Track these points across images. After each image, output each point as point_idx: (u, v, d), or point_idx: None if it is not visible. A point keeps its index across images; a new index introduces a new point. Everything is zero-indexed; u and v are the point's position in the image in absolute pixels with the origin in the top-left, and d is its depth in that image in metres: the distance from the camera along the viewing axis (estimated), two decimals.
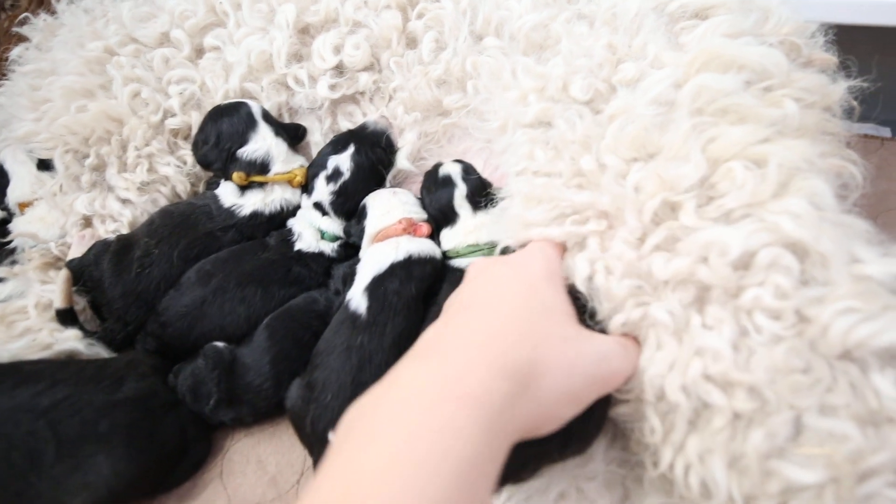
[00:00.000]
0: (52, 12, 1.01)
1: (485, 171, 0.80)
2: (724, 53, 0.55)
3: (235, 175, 0.82)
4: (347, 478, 0.35)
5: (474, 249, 0.75)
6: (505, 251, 0.63)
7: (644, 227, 0.53)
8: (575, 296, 0.54)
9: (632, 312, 0.51)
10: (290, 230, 0.84)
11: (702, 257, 0.48)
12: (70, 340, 0.75)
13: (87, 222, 0.88)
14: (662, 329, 0.50)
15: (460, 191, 0.77)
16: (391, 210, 0.79)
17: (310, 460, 0.69)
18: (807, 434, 0.44)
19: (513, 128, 0.70)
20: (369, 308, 0.70)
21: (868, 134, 0.99)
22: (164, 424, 0.68)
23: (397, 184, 0.89)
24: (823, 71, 0.63)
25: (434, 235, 0.80)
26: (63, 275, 0.76)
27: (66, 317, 0.76)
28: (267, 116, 0.85)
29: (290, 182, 0.85)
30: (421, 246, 0.75)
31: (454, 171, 0.79)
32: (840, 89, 0.58)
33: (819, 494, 0.43)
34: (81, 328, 0.77)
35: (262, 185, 0.84)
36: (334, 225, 0.84)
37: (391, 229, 0.77)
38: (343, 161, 0.83)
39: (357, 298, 0.71)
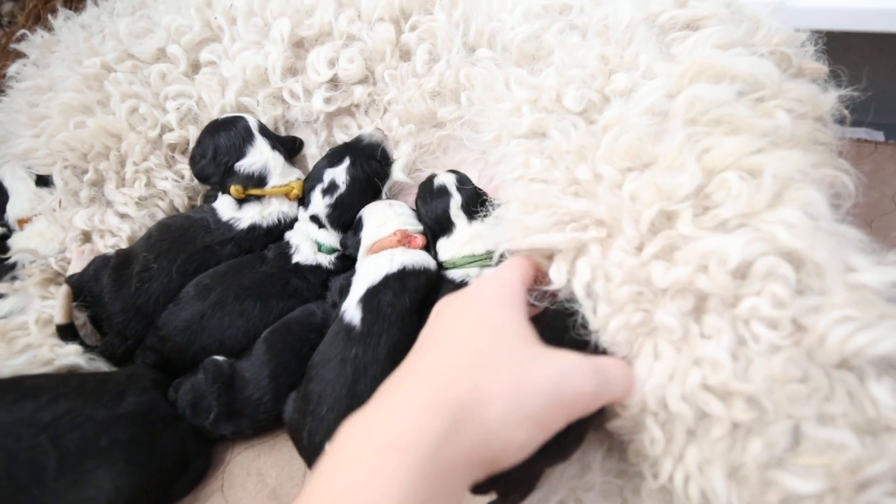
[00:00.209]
0: (49, 29, 1.02)
1: (480, 182, 0.81)
2: (716, 64, 0.56)
3: (233, 188, 0.82)
4: None
5: (471, 260, 0.76)
6: (502, 258, 0.64)
7: (641, 236, 0.53)
8: (560, 311, 0.55)
9: (632, 317, 0.51)
10: (287, 243, 0.84)
11: (701, 266, 0.49)
12: (71, 355, 0.75)
13: (87, 237, 0.88)
14: (663, 337, 0.50)
15: (455, 201, 0.78)
16: (386, 222, 0.79)
17: (309, 472, 0.69)
18: (805, 443, 0.44)
19: (507, 138, 0.71)
20: (363, 319, 0.70)
21: (862, 138, 0.99)
22: (164, 438, 0.68)
23: (393, 196, 0.89)
24: (814, 80, 0.63)
25: (430, 246, 0.80)
26: (63, 290, 0.77)
27: (67, 332, 0.76)
28: (263, 130, 0.86)
29: (287, 195, 0.85)
30: (415, 257, 0.76)
31: (449, 181, 0.79)
32: (831, 99, 0.59)
33: None
34: (82, 343, 0.77)
35: (259, 198, 0.84)
36: (331, 237, 0.84)
37: (386, 241, 0.77)
38: (339, 174, 0.83)
39: (351, 310, 0.71)
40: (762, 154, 0.49)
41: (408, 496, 0.36)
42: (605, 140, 0.58)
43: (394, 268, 0.74)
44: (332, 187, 0.83)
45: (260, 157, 0.84)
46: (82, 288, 0.79)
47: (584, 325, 0.54)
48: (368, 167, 0.84)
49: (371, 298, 0.72)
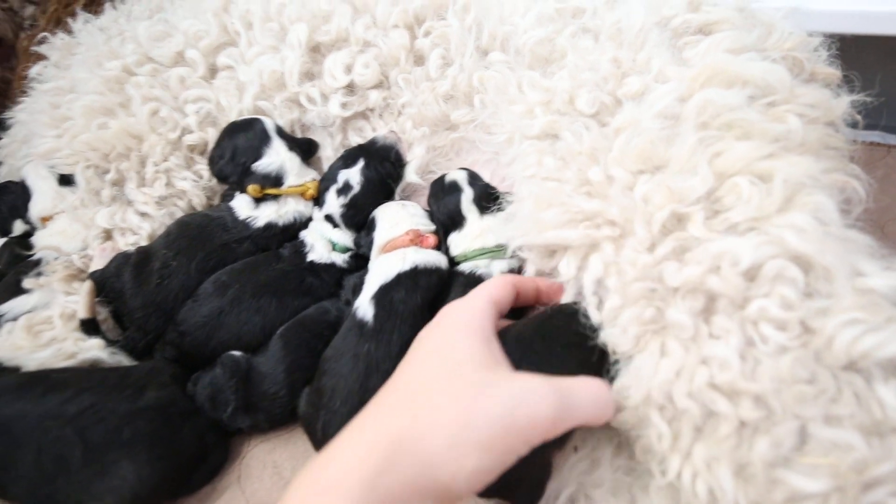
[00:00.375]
0: (70, 31, 1.04)
1: (492, 182, 0.82)
2: (728, 69, 0.57)
3: (251, 188, 0.84)
4: None
5: (482, 252, 0.77)
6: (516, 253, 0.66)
7: (653, 237, 0.54)
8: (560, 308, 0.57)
9: (644, 312, 0.52)
10: (302, 242, 0.86)
11: (714, 266, 0.49)
12: (94, 349, 0.77)
13: (108, 235, 0.90)
14: (672, 335, 0.51)
15: (467, 195, 0.79)
16: (399, 222, 0.80)
17: None
18: (812, 443, 0.45)
19: (519, 140, 0.72)
20: (376, 316, 0.71)
21: (875, 142, 0.99)
22: (183, 431, 0.70)
23: (406, 197, 0.90)
24: (827, 85, 0.64)
25: (443, 243, 0.81)
26: (87, 286, 0.78)
27: (90, 327, 0.78)
28: (280, 132, 0.87)
29: (302, 195, 0.87)
30: (427, 257, 0.77)
31: (460, 177, 0.81)
32: (843, 104, 0.60)
33: (824, 503, 0.44)
34: (104, 337, 0.79)
35: (275, 197, 0.86)
36: (345, 237, 0.86)
37: (399, 240, 0.79)
38: (353, 175, 0.85)
39: (364, 307, 0.73)
40: (773, 159, 0.50)
41: None
42: (618, 143, 0.60)
43: (406, 266, 0.75)
44: (346, 188, 0.85)
45: (277, 158, 0.85)
46: (104, 284, 0.81)
47: (585, 322, 0.55)
48: (382, 169, 0.85)
49: (384, 296, 0.73)
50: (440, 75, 0.84)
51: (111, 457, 0.64)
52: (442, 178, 0.82)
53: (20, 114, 1.01)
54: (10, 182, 1.02)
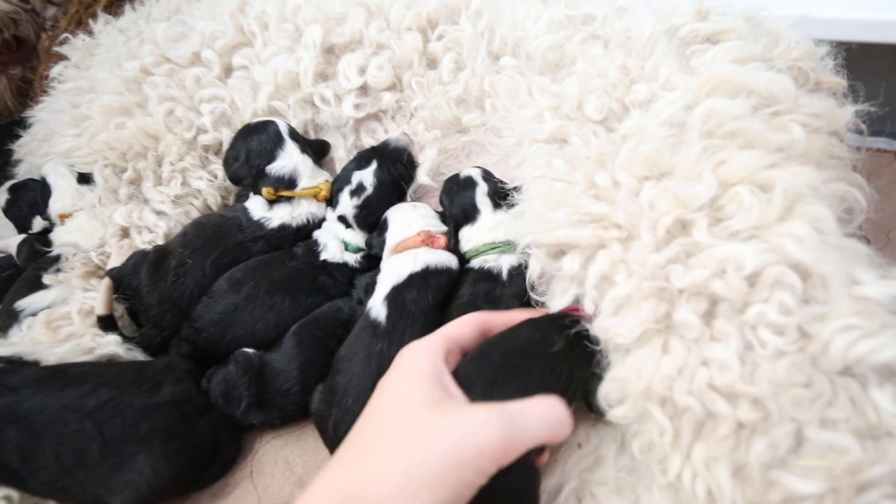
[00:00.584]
0: (90, 32, 1.06)
1: None
2: (733, 79, 0.58)
3: (265, 190, 0.85)
4: None
5: (492, 247, 0.78)
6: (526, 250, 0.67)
7: (658, 241, 0.55)
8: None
9: (652, 309, 0.53)
10: (315, 241, 0.88)
11: (719, 270, 0.51)
12: (111, 345, 0.79)
13: (125, 233, 0.91)
14: (677, 334, 0.52)
15: (482, 188, 0.81)
16: (411, 223, 0.82)
17: None
18: (808, 446, 0.46)
19: (528, 144, 0.73)
20: (388, 316, 0.73)
21: (881, 148, 1.00)
22: (198, 427, 0.71)
23: (417, 198, 0.92)
24: (833, 94, 0.65)
25: (452, 237, 0.83)
26: (105, 283, 0.80)
27: (107, 323, 0.80)
28: (293, 134, 0.89)
29: (315, 196, 0.88)
30: (438, 257, 0.78)
31: (475, 173, 0.82)
32: (847, 113, 0.60)
33: None
34: (120, 333, 0.81)
35: (289, 199, 0.88)
36: (358, 237, 0.87)
37: (410, 241, 0.80)
38: (366, 176, 0.87)
39: (377, 307, 0.74)
40: (775, 169, 0.51)
41: None
42: (624, 149, 0.61)
43: (417, 267, 0.76)
44: (359, 189, 0.87)
45: (290, 160, 0.87)
46: (122, 281, 0.83)
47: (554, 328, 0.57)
48: (395, 170, 0.87)
49: (396, 296, 0.75)
50: (452, 79, 0.85)
51: (128, 450, 0.66)
52: (456, 174, 0.84)
53: (41, 113, 1.03)
54: (30, 179, 1.04)
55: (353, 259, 0.86)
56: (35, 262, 0.89)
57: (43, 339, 0.78)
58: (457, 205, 0.82)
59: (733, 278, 0.50)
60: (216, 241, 0.86)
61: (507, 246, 0.77)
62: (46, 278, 0.85)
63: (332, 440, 0.69)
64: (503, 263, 0.76)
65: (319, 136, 0.95)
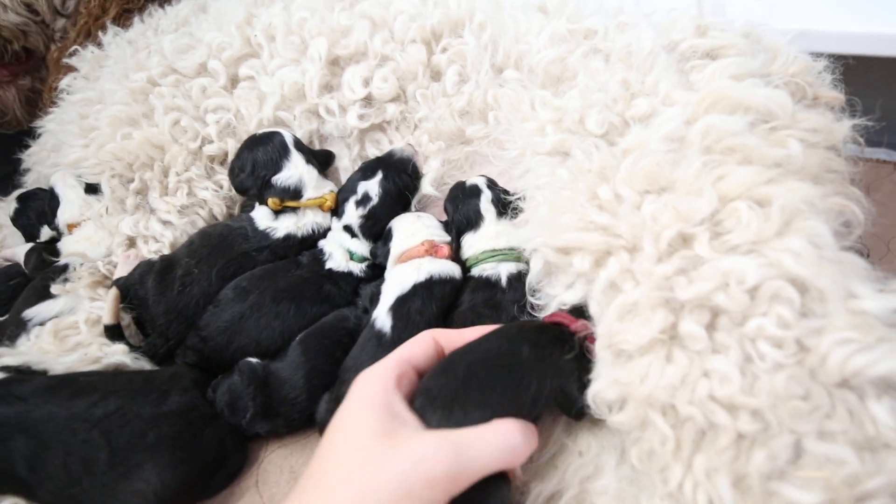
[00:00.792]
0: (99, 44, 1.07)
1: None
2: (731, 95, 0.59)
3: (270, 200, 0.86)
4: None
5: (491, 255, 0.79)
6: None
7: (660, 254, 0.56)
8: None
9: (659, 320, 0.53)
10: (321, 250, 0.88)
11: (723, 284, 0.51)
12: (118, 354, 0.80)
13: (132, 243, 0.93)
14: (682, 344, 0.53)
15: (486, 196, 0.82)
16: (415, 233, 0.83)
17: None
18: (806, 457, 0.47)
19: (531, 156, 0.74)
20: (394, 327, 0.74)
21: (881, 159, 1.01)
22: (204, 436, 0.72)
23: (422, 208, 0.93)
24: (831, 108, 0.66)
25: (454, 240, 0.84)
26: (112, 293, 0.81)
27: (114, 332, 0.81)
28: (299, 145, 0.90)
29: (321, 206, 0.90)
30: (441, 267, 0.79)
31: (480, 181, 0.84)
32: (844, 128, 0.61)
33: None
34: (127, 343, 0.81)
35: (295, 209, 0.89)
36: (363, 246, 0.88)
37: (414, 251, 0.81)
38: (372, 187, 0.88)
39: (382, 317, 0.75)
40: (772, 185, 0.52)
41: None
42: (625, 163, 0.62)
43: (421, 277, 0.77)
44: (365, 199, 0.88)
45: (295, 171, 0.88)
46: (128, 291, 0.84)
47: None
48: (400, 181, 0.88)
49: (400, 307, 0.76)
50: (456, 91, 0.87)
51: (135, 460, 0.67)
52: (462, 182, 0.85)
53: (50, 123, 1.04)
54: (38, 189, 1.06)
55: (358, 268, 0.87)
56: (43, 272, 0.90)
57: (51, 349, 0.79)
58: (461, 211, 0.83)
59: (735, 291, 0.51)
60: (222, 250, 0.87)
61: (506, 254, 0.78)
62: (54, 288, 0.85)
63: None
64: (501, 271, 0.77)
65: (324, 147, 0.96)
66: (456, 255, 0.83)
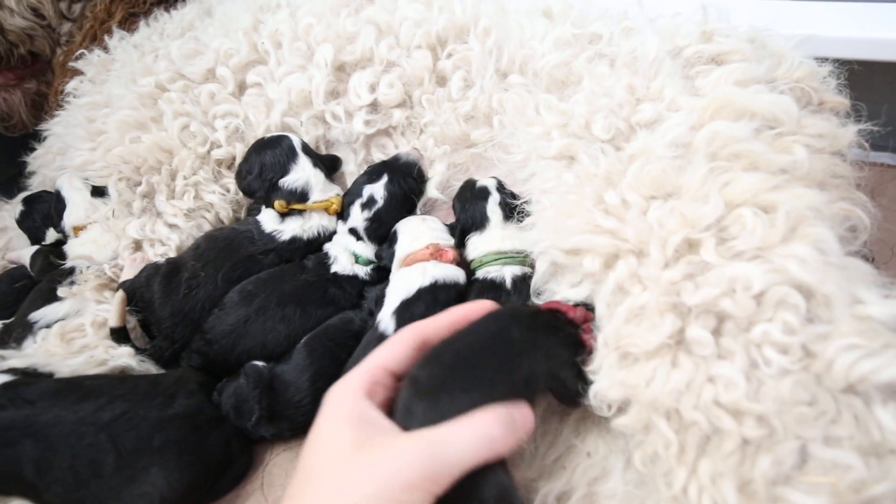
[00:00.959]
0: (105, 48, 1.08)
1: None
2: (736, 101, 0.59)
3: (277, 203, 0.87)
4: None
5: (495, 257, 0.79)
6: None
7: (667, 259, 0.56)
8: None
9: (668, 324, 0.53)
10: (326, 254, 0.89)
11: (729, 289, 0.51)
12: (124, 357, 0.80)
13: (138, 246, 0.93)
14: (689, 349, 0.53)
15: (494, 198, 0.82)
16: (420, 236, 0.83)
17: None
18: (812, 463, 0.47)
19: (536, 160, 0.75)
20: (396, 330, 0.74)
21: (886, 163, 1.01)
22: (210, 439, 0.72)
23: (427, 211, 0.93)
24: (836, 113, 0.66)
25: (458, 242, 0.84)
26: (118, 296, 0.82)
27: (120, 335, 0.81)
28: (306, 149, 0.91)
29: (326, 210, 0.90)
30: (446, 271, 0.79)
31: (490, 183, 0.84)
32: (850, 133, 0.62)
33: None
34: (133, 345, 0.82)
35: (301, 212, 0.89)
36: (368, 249, 0.89)
37: (419, 254, 0.81)
38: (377, 190, 0.88)
39: (385, 321, 0.75)
40: (777, 191, 0.52)
41: None
42: (632, 169, 0.62)
43: (426, 281, 0.78)
44: (370, 202, 0.88)
45: (302, 174, 0.89)
46: (135, 293, 0.84)
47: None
48: (405, 184, 0.89)
49: (404, 311, 0.76)
50: (461, 96, 0.87)
51: (142, 463, 0.67)
52: (473, 182, 0.85)
53: (56, 126, 1.05)
54: (43, 191, 1.06)
55: (363, 271, 0.88)
56: (49, 274, 0.91)
57: (57, 351, 0.79)
58: (467, 211, 0.83)
59: (742, 297, 0.51)
60: (228, 253, 0.88)
61: (510, 257, 0.78)
62: (61, 290, 0.86)
63: None
64: (506, 273, 0.77)
65: (330, 152, 0.97)
66: (460, 258, 0.83)
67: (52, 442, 0.66)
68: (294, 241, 0.89)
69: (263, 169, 0.89)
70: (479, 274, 0.79)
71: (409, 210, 0.91)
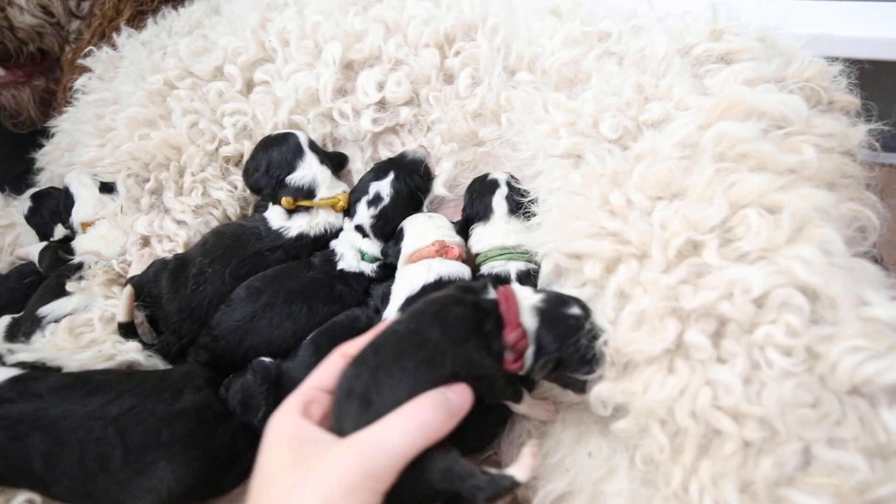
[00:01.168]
0: (113, 45, 1.08)
1: None
2: (745, 101, 0.59)
3: (284, 200, 0.87)
4: None
5: (500, 252, 0.79)
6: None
7: (669, 261, 0.56)
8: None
9: (667, 329, 0.54)
10: (332, 251, 0.89)
11: (727, 293, 0.52)
12: (131, 352, 0.80)
13: (146, 242, 0.94)
14: (686, 354, 0.53)
15: (502, 191, 0.82)
16: (426, 233, 0.83)
17: None
18: (816, 464, 0.47)
19: (543, 158, 0.74)
20: None
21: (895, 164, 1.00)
22: (217, 434, 0.73)
23: (434, 209, 0.93)
24: (846, 112, 0.65)
25: (462, 231, 0.85)
26: (126, 291, 0.82)
27: (128, 330, 0.82)
28: (313, 146, 0.91)
29: (333, 207, 0.90)
30: (451, 268, 0.80)
31: (501, 177, 0.84)
32: (860, 133, 0.61)
33: None
34: (141, 340, 0.82)
35: (307, 209, 0.89)
36: (374, 247, 0.89)
37: (425, 251, 0.81)
38: (384, 187, 0.88)
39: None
40: (784, 192, 0.52)
41: None
42: (638, 169, 0.62)
43: (431, 278, 0.78)
44: (376, 199, 0.88)
45: (309, 171, 0.89)
46: (142, 289, 0.85)
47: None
48: (412, 181, 0.89)
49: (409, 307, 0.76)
50: (469, 94, 0.87)
51: (150, 457, 0.67)
52: (485, 175, 0.86)
53: (64, 123, 1.05)
54: (51, 188, 1.07)
55: (369, 268, 0.88)
56: (57, 270, 0.91)
57: (65, 346, 0.79)
58: (474, 202, 0.84)
59: (741, 301, 0.51)
60: (235, 250, 0.88)
61: (515, 253, 0.78)
62: (70, 286, 0.86)
63: None
64: (511, 269, 0.77)
65: (338, 149, 0.97)
66: (466, 251, 0.83)
67: (61, 436, 0.66)
68: (301, 237, 0.89)
69: (270, 166, 0.89)
70: (484, 269, 0.80)
71: (416, 207, 0.91)
